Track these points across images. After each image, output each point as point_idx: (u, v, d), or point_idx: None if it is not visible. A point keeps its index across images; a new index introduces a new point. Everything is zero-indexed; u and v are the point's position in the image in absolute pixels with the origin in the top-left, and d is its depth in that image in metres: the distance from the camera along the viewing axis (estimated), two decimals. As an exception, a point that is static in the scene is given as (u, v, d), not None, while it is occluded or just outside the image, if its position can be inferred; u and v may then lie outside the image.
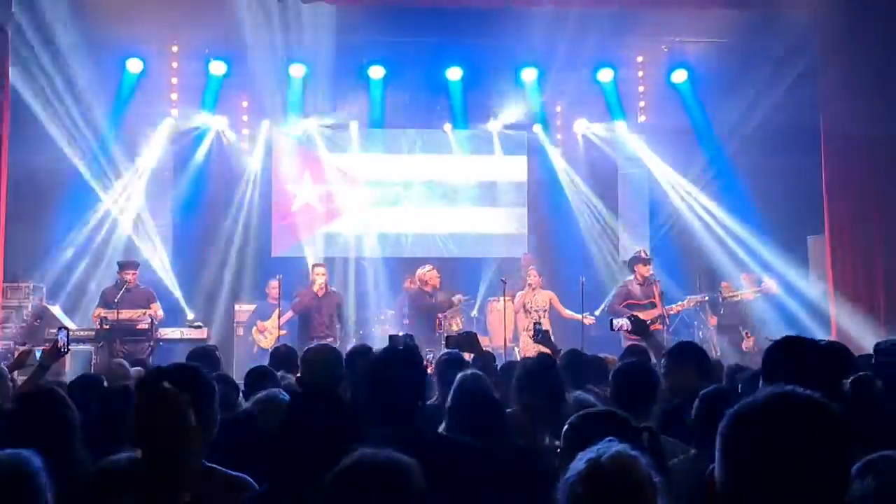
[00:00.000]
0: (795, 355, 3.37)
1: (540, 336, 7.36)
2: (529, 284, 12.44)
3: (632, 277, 12.06)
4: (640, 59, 13.82)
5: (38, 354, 6.55)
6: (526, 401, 4.32)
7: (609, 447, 2.26)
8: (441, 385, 5.52)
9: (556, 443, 3.21)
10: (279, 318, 11.94)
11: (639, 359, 5.58)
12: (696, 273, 13.68)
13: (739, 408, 1.63)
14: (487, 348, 9.01)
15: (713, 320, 12.66)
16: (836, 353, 3.90)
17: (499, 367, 6.24)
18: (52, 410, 3.48)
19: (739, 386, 5.31)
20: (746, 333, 11.92)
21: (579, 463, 2.23)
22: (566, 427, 3.12)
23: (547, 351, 6.62)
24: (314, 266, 12.23)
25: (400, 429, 3.45)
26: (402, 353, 3.74)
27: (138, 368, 6.46)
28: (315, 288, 11.73)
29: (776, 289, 12.42)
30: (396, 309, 13.11)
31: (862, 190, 11.69)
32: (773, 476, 1.54)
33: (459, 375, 4.59)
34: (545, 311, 12.35)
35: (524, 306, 12.41)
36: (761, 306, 12.42)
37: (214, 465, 3.23)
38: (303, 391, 3.96)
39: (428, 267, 12.28)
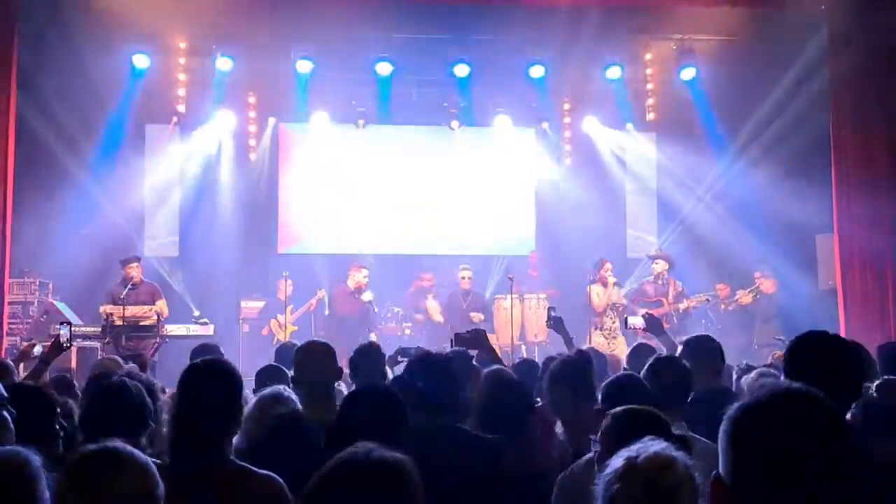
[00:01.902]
0: (823, 351, 3.32)
1: (553, 322, 7.23)
2: (614, 282, 12.10)
3: (651, 276, 12.25)
4: (648, 56, 13.75)
5: (37, 350, 6.56)
6: (556, 397, 4.30)
7: (648, 446, 2.22)
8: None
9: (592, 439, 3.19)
10: (288, 314, 12.10)
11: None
12: (703, 271, 13.60)
13: (746, 406, 1.61)
14: (494, 346, 9.00)
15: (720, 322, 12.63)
16: (860, 354, 3.82)
17: (513, 364, 6.22)
18: (36, 406, 3.50)
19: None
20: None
21: (617, 460, 2.20)
22: (607, 421, 3.09)
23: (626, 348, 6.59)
24: (358, 267, 12.42)
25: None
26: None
27: (133, 364, 6.41)
28: (353, 287, 12.26)
29: (772, 288, 12.40)
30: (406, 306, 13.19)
31: (871, 188, 11.62)
32: (786, 474, 1.53)
33: (487, 371, 4.69)
34: (618, 307, 12.00)
35: (607, 304, 11.94)
36: (770, 305, 12.40)
37: (245, 465, 3.23)
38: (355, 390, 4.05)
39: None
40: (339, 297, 12.32)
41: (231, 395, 3.29)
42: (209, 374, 3.34)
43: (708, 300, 12.31)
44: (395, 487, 2.01)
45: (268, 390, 4.52)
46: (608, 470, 2.21)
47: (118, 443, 2.29)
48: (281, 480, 3.18)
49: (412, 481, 2.04)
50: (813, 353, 3.32)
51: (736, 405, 1.62)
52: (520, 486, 3.92)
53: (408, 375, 4.20)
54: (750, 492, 1.56)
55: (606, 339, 11.36)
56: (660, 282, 12.12)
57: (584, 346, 7.28)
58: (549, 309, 7.64)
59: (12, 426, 3.32)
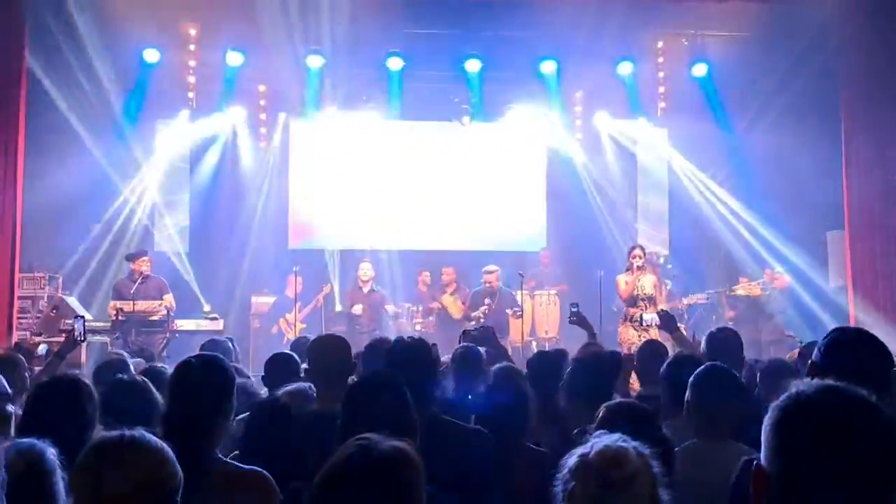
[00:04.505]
0: (859, 348, 3.26)
1: (575, 318, 7.12)
2: (638, 267, 10.70)
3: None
4: (660, 52, 13.71)
5: (41, 349, 6.60)
6: (573, 394, 4.30)
7: (599, 440, 2.21)
8: (456, 380, 5.48)
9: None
10: (298, 311, 12.12)
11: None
12: (714, 267, 13.59)
13: (794, 397, 1.61)
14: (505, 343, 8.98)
15: (730, 314, 12.62)
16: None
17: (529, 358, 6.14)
18: (71, 400, 3.48)
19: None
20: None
21: (571, 458, 2.19)
22: (599, 417, 3.11)
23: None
24: (359, 263, 12.75)
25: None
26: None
27: (139, 360, 6.45)
28: (361, 285, 12.48)
29: (784, 284, 12.37)
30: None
31: (883, 185, 11.59)
32: (835, 467, 1.53)
33: (496, 368, 4.66)
34: (651, 298, 10.74)
35: (633, 293, 10.66)
36: (779, 301, 12.38)
37: (231, 462, 3.22)
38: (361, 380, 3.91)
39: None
40: (351, 294, 12.67)
41: (221, 393, 3.27)
42: (200, 371, 3.32)
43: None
44: (398, 477, 2.00)
45: (293, 386, 4.51)
46: (563, 468, 2.21)
47: (137, 430, 2.25)
48: (268, 475, 3.17)
49: (415, 469, 2.04)
50: (848, 349, 3.25)
51: (783, 396, 1.62)
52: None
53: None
54: (794, 482, 1.56)
55: (637, 331, 10.10)
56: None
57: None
58: (572, 304, 7.46)
59: (13, 422, 3.33)
